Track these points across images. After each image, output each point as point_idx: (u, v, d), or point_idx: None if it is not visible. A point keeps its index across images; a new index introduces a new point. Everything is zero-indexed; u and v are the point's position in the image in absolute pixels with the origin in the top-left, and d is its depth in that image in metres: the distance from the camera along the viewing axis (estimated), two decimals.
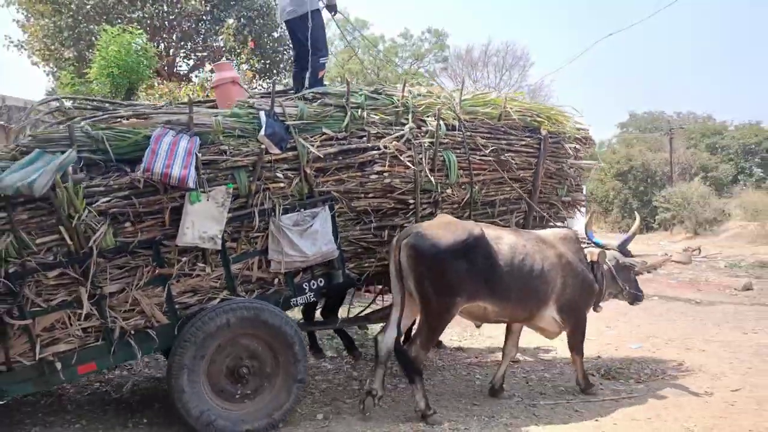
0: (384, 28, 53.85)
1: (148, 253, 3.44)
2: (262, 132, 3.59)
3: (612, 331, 6.41)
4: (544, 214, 4.88)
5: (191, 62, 15.84)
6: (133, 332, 3.44)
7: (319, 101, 4.03)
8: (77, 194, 3.13)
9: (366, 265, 4.18)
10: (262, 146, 3.59)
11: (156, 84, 7.12)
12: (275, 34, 14.61)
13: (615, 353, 5.56)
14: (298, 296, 3.92)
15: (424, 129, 4.20)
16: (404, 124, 4.13)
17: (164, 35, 14.54)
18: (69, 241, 3.21)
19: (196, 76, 13.20)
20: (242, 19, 13.97)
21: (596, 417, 3.87)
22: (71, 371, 3.34)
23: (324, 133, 3.84)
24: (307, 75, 4.44)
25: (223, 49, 14.01)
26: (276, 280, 3.84)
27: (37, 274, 3.17)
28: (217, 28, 13.93)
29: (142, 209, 3.34)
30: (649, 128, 40.94)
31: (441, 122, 4.20)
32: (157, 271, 3.42)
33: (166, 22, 13.87)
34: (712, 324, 6.83)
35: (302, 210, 3.75)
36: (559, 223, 4.97)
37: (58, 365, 3.26)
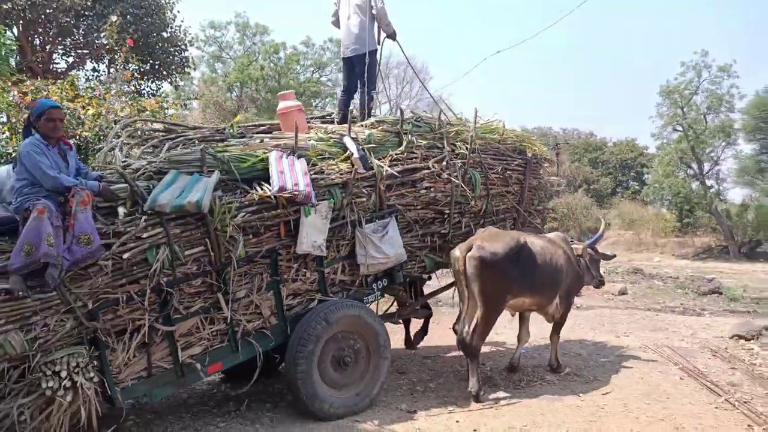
0: (285, 35, 54.05)
1: (265, 262, 3.99)
2: (356, 154, 4.36)
3: (500, 337, 6.57)
4: (530, 220, 6.21)
5: (70, 59, 14.92)
6: (253, 332, 3.97)
7: (379, 128, 4.90)
8: (228, 211, 3.62)
9: (409, 266, 5.02)
10: (354, 166, 4.36)
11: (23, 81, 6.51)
12: (165, 34, 14.25)
13: (501, 360, 5.73)
14: (369, 295, 4.70)
15: (456, 152, 5.21)
16: (440, 148, 5.17)
17: (39, 29, 13.59)
18: (212, 253, 3.67)
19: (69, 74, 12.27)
20: (128, 17, 13.43)
21: (474, 427, 4.04)
22: (204, 371, 3.76)
23: (389, 155, 4.67)
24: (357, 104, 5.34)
25: (106, 46, 13.28)
26: (355, 282, 4.59)
27: (182, 283, 3.58)
28: (100, 24, 12.97)
29: (265, 223, 3.89)
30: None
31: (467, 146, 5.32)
32: (271, 278, 3.99)
33: (42, 16, 13.00)
34: (589, 328, 7.31)
35: (377, 220, 4.55)
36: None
37: (198, 366, 3.68)
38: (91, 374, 3.09)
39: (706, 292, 11.41)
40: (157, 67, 14.34)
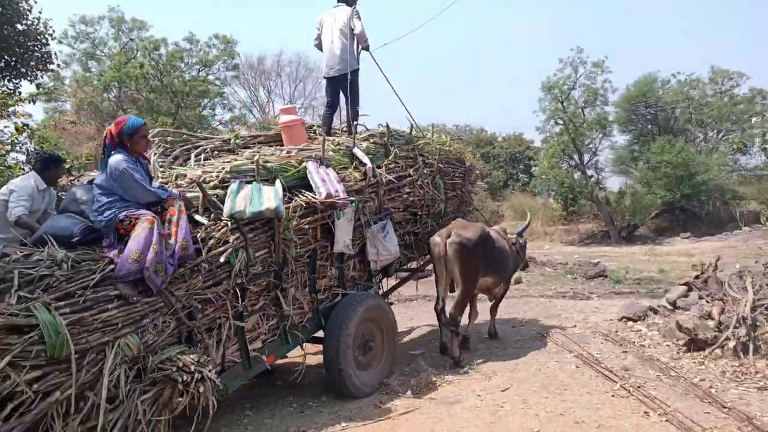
0: (166, 31, 50.75)
1: (305, 262, 4.67)
2: (369, 164, 5.23)
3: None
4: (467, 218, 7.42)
5: None
6: (297, 325, 4.64)
7: (371, 140, 5.71)
8: (291, 216, 4.28)
9: None
10: (367, 174, 5.22)
11: None
12: (20, 26, 12.58)
13: (399, 362, 5.64)
14: (372, 288, 5.54)
15: (425, 161, 6.19)
16: (412, 158, 6.06)
17: None
18: (273, 254, 4.29)
19: None
20: None
21: None
22: (263, 364, 4.32)
23: (384, 164, 5.53)
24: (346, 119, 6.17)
25: None
26: (363, 277, 5.41)
27: (253, 283, 4.12)
28: None
29: (310, 226, 4.59)
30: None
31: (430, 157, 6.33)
32: (309, 276, 4.69)
33: None
34: (485, 319, 7.06)
35: (377, 222, 5.40)
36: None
37: (263, 358, 4.26)
38: (210, 367, 3.54)
39: (593, 276, 12.56)
40: (13, 63, 12.61)
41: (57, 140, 28.63)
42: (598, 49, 70.91)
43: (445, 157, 6.68)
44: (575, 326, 7.07)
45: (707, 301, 6.57)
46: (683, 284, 7.76)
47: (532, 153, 33.90)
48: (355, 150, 5.33)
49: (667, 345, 5.89)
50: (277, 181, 4.40)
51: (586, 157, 28.90)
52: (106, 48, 29.19)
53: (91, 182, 4.16)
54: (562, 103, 27.64)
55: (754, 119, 30.03)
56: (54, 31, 7.05)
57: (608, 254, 18.75)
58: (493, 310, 6.77)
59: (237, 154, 5.19)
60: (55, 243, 3.61)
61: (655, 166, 26.55)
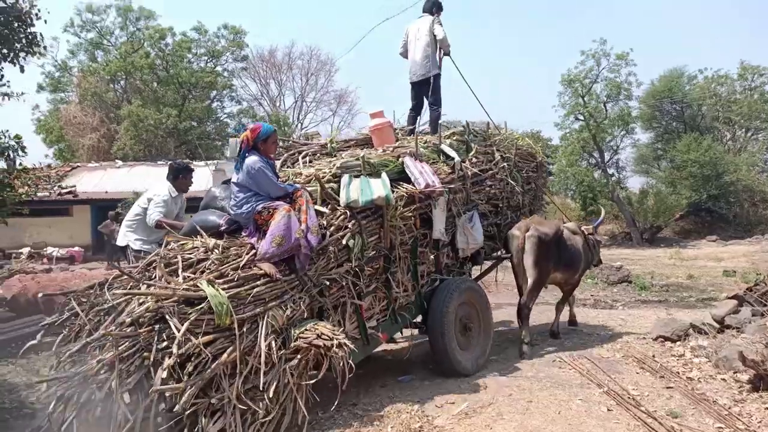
0: (173, 19, 51.18)
1: (407, 248, 5.22)
2: (457, 158, 5.84)
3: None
4: (541, 211, 8.08)
5: None
6: (404, 307, 5.19)
7: (454, 138, 6.31)
8: (397, 205, 4.88)
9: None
10: (456, 168, 5.81)
11: None
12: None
13: (378, 391, 5.01)
14: (464, 275, 6.08)
15: (503, 156, 6.78)
16: (490, 153, 6.79)
17: None
18: (383, 240, 4.87)
19: None
20: None
21: None
22: (378, 341, 4.90)
23: (468, 159, 6.18)
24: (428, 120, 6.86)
25: None
26: (455, 264, 5.93)
27: (367, 265, 4.69)
28: None
29: (412, 215, 5.17)
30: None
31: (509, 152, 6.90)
32: (411, 261, 5.25)
33: None
34: (497, 334, 6.60)
35: (465, 213, 6.00)
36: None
37: (378, 335, 4.85)
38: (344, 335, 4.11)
39: (616, 281, 12.20)
40: None
41: (60, 131, 29.08)
42: (623, 41, 71.52)
43: (519, 152, 7.23)
44: (602, 347, 6.31)
45: None
46: (732, 297, 7.01)
47: (550, 151, 33.83)
48: (443, 146, 5.90)
49: (723, 379, 4.99)
50: (383, 174, 4.97)
51: (606, 155, 28.71)
52: (112, 38, 29.83)
53: (226, 182, 4.91)
54: (583, 97, 27.63)
55: None
56: (39, 11, 7.14)
57: (630, 257, 18.41)
58: (560, 305, 7.20)
59: (334, 156, 5.77)
60: (204, 234, 4.34)
61: (680, 165, 26.37)
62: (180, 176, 5.78)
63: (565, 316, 7.50)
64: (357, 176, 4.89)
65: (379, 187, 4.72)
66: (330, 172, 4.85)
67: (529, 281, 6.29)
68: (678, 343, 6.29)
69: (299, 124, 37.30)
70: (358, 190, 4.68)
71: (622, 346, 6.28)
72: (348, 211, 4.64)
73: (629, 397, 4.60)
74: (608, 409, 4.37)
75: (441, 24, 6.85)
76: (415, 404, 4.57)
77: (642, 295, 11.02)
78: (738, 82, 32.15)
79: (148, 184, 19.28)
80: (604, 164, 28.13)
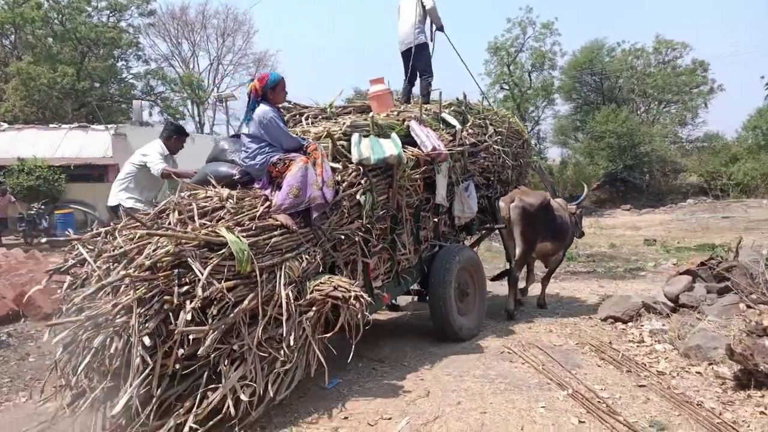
0: None
1: (410, 211, 5.29)
2: (458, 126, 5.91)
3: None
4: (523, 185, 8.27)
5: None
6: (407, 268, 5.25)
7: (450, 109, 6.46)
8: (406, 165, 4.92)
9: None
10: (457, 136, 5.90)
11: None
12: None
13: (308, 403, 4.01)
14: (458, 242, 6.19)
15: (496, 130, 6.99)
16: (484, 126, 6.92)
17: None
18: (390, 201, 4.90)
19: None
20: None
21: None
22: (382, 301, 4.97)
23: (465, 129, 6.29)
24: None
25: None
26: (452, 233, 6.02)
27: (373, 224, 4.70)
28: None
29: (417, 178, 5.22)
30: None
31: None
32: (413, 225, 5.34)
33: None
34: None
35: (462, 182, 6.12)
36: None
37: (383, 295, 4.89)
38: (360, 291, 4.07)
39: None
40: None
41: None
42: (547, 9, 73.57)
43: (508, 129, 7.36)
44: (551, 331, 5.77)
45: (748, 305, 5.18)
46: (684, 272, 6.59)
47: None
48: (444, 115, 5.99)
49: (698, 372, 4.45)
50: (394, 134, 5.03)
51: (528, 126, 29.24)
52: None
53: (235, 136, 4.92)
54: (508, 66, 28.53)
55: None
56: None
57: None
58: (545, 281, 7.42)
59: (334, 121, 5.74)
60: (216, 184, 4.31)
61: (599, 135, 27.52)
62: (173, 137, 5.73)
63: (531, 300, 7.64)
64: (366, 136, 4.90)
65: (390, 147, 4.76)
66: (340, 130, 4.84)
67: (517, 250, 6.46)
68: (630, 324, 5.88)
69: (215, 88, 35.27)
70: (369, 149, 4.70)
71: (572, 329, 5.79)
72: (360, 168, 4.64)
73: (600, 402, 3.91)
74: (579, 421, 3.62)
75: None
76: (342, 421, 3.73)
77: (570, 266, 11.14)
78: (653, 56, 34.24)
79: (36, 150, 18.44)
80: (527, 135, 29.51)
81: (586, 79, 33.31)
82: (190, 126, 35.16)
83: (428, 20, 6.96)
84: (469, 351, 5.16)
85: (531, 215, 6.36)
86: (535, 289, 7.59)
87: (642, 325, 5.78)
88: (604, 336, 5.57)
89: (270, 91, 4.47)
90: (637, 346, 5.27)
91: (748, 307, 5.19)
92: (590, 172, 26.77)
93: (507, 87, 28.99)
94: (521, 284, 7.07)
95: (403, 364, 4.85)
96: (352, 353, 4.03)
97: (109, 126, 20.47)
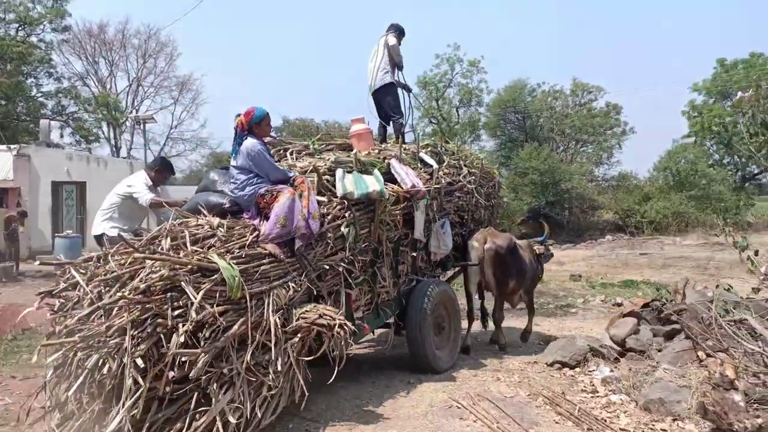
0: None
1: (390, 245, 5.52)
2: (436, 165, 6.24)
3: None
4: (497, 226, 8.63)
5: None
6: (386, 301, 5.45)
7: (428, 149, 6.81)
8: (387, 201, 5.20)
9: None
10: (435, 176, 6.21)
11: None
12: None
13: None
14: (434, 278, 6.43)
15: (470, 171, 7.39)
16: (458, 167, 7.27)
17: None
18: (372, 234, 5.14)
19: None
20: None
21: None
22: (363, 332, 5.13)
23: (441, 170, 6.64)
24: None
25: None
26: (428, 268, 6.27)
27: (356, 256, 4.92)
28: None
29: (397, 213, 5.49)
30: (300, 134, 45.25)
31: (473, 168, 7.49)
32: (393, 259, 5.58)
33: None
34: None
35: (439, 219, 6.42)
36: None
37: (364, 325, 5.07)
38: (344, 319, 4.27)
39: None
40: None
41: None
42: (476, 47, 76.68)
43: (481, 169, 7.80)
44: (499, 379, 5.38)
45: (707, 354, 5.04)
46: (628, 314, 6.52)
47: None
48: (422, 154, 6.35)
49: (663, 430, 4.24)
50: (376, 170, 5.32)
51: None
52: None
53: (224, 168, 5.13)
54: (437, 100, 29.59)
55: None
56: None
57: None
58: (531, 314, 7.64)
59: (317, 157, 6.02)
60: (206, 213, 4.54)
61: (522, 171, 28.79)
62: (157, 169, 5.98)
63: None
64: (350, 172, 5.17)
65: (373, 182, 5.04)
66: (325, 165, 5.11)
67: (494, 290, 6.72)
68: (578, 369, 5.63)
69: (134, 110, 33.59)
70: (353, 184, 4.97)
71: (520, 377, 5.44)
72: (344, 202, 4.89)
73: None
74: None
75: (396, 36, 7.36)
76: None
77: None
78: (570, 98, 36.95)
79: None
80: None
81: (510, 117, 35.41)
82: (105, 149, 33.93)
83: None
84: (414, 405, 4.62)
85: (502, 257, 6.63)
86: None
87: (591, 371, 5.51)
88: (554, 384, 5.23)
89: (255, 125, 4.76)
90: (592, 396, 4.92)
91: (708, 355, 5.02)
92: (515, 207, 27.84)
93: (435, 121, 29.94)
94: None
95: (340, 424, 4.31)
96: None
97: (11, 146, 19.67)
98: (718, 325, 5.16)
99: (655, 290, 7.15)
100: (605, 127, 36.22)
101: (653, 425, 4.30)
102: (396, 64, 7.36)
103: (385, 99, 7.25)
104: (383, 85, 7.21)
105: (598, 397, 4.92)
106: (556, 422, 4.37)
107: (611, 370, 5.41)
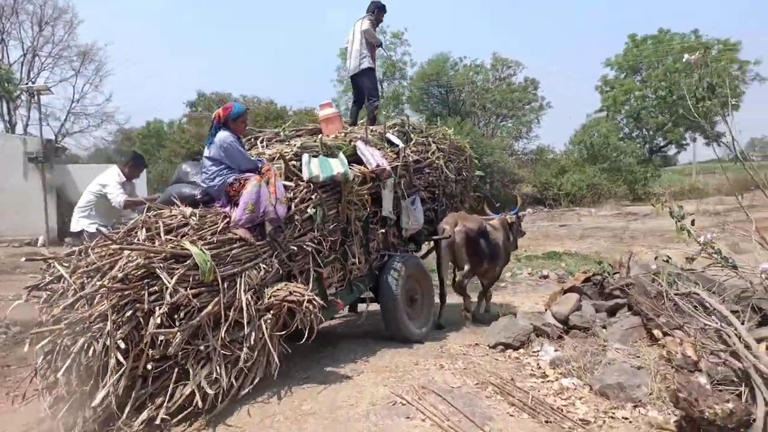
0: None
1: (359, 224, 5.88)
2: (402, 145, 6.55)
3: None
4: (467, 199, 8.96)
5: None
6: (359, 277, 5.82)
7: (395, 129, 7.11)
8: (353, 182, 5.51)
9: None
10: (401, 154, 6.53)
11: None
12: None
13: None
14: (407, 253, 6.79)
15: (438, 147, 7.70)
16: (427, 144, 7.59)
17: None
18: (340, 214, 5.49)
19: None
20: None
21: None
22: (335, 308, 5.50)
23: (408, 147, 6.95)
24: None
25: None
26: (400, 244, 6.62)
27: (325, 236, 5.28)
28: None
29: (364, 193, 5.84)
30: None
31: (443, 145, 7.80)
32: (363, 237, 5.92)
33: None
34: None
35: (408, 196, 6.77)
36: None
37: (337, 301, 5.44)
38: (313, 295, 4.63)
39: None
40: None
41: None
42: (399, 19, 75.93)
43: (451, 145, 8.07)
44: (442, 366, 4.93)
45: (665, 333, 4.84)
46: (569, 290, 6.36)
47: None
48: (388, 135, 6.65)
49: (625, 418, 3.92)
50: (341, 153, 5.62)
51: None
52: None
53: (195, 160, 5.39)
54: None
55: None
56: None
57: None
58: (482, 295, 8.00)
59: (286, 143, 6.31)
60: (179, 204, 4.84)
61: None
62: (131, 164, 6.34)
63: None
64: (315, 156, 5.48)
65: (337, 165, 5.34)
66: (291, 151, 5.42)
67: (465, 268, 7.06)
68: (522, 351, 5.38)
69: (30, 82, 30.93)
70: (318, 167, 5.27)
71: (464, 363, 5.00)
72: (311, 185, 5.20)
73: None
74: None
75: (372, 18, 7.74)
76: None
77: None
78: (491, 72, 37.98)
79: None
80: None
81: (433, 91, 36.00)
82: None
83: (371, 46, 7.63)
84: (353, 404, 4.10)
85: (472, 239, 6.95)
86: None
87: (537, 353, 5.26)
88: (501, 370, 4.86)
89: (232, 121, 5.08)
90: (542, 381, 4.61)
91: (664, 333, 4.84)
92: None
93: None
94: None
95: (270, 428, 3.86)
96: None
97: None
98: (670, 300, 4.95)
99: (596, 264, 6.86)
100: (524, 101, 37.60)
101: (613, 413, 4.00)
102: (374, 45, 7.74)
103: (364, 82, 7.65)
104: (361, 70, 7.60)
105: (548, 381, 4.61)
106: (511, 414, 3.97)
107: (556, 350, 5.18)
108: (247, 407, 4.15)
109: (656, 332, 5.00)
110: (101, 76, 36.65)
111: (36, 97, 21.48)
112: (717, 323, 4.48)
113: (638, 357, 4.77)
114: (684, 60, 5.57)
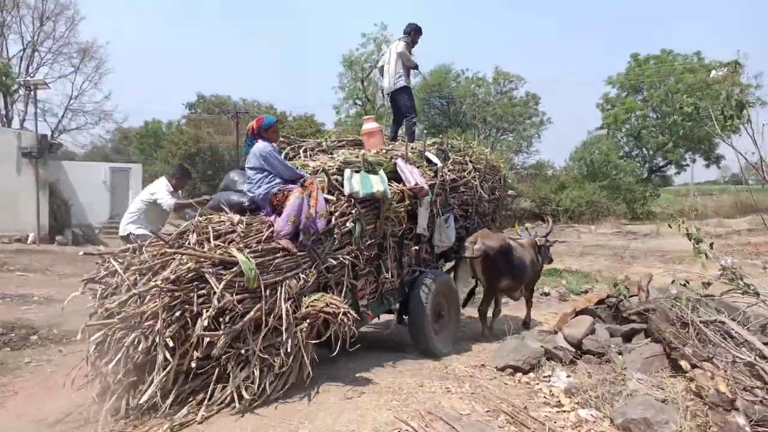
0: None
1: (394, 240, 6.11)
2: (440, 164, 6.77)
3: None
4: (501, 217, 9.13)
5: None
6: (390, 290, 6.03)
7: (433, 148, 7.33)
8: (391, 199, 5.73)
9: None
10: (439, 173, 6.74)
11: None
12: None
13: None
14: (437, 269, 6.97)
15: (474, 167, 7.89)
16: (464, 163, 7.78)
17: None
18: (377, 230, 5.70)
19: None
20: None
21: None
22: (367, 319, 5.73)
23: (446, 167, 7.16)
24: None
25: None
26: (431, 260, 6.83)
27: (362, 250, 5.47)
28: None
29: (401, 209, 6.04)
30: (216, 111, 44.42)
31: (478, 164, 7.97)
32: (397, 251, 6.14)
33: None
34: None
35: (443, 214, 6.97)
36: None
37: (368, 312, 5.66)
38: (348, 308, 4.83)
39: None
40: None
41: None
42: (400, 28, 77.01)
43: (487, 165, 8.26)
44: (449, 390, 4.65)
45: (693, 365, 4.55)
46: (581, 312, 6.18)
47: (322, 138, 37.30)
48: (427, 153, 6.85)
49: None
50: (381, 171, 5.84)
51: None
52: None
53: (242, 169, 5.65)
54: (362, 81, 29.18)
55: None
56: None
57: None
58: (529, 305, 8.17)
59: (330, 154, 6.54)
60: (228, 210, 5.12)
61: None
62: (177, 176, 6.78)
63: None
64: (357, 171, 5.70)
65: (378, 183, 5.55)
66: (335, 165, 5.65)
67: (483, 288, 7.23)
68: (532, 375, 5.15)
69: (28, 77, 30.27)
70: (359, 183, 5.49)
71: (471, 386, 4.78)
72: (351, 200, 5.42)
73: None
74: None
75: (407, 41, 8.05)
76: None
77: None
78: (493, 86, 38.13)
79: None
80: None
81: (434, 102, 36.25)
82: None
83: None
84: (354, 429, 3.84)
85: (492, 257, 7.00)
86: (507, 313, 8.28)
87: (548, 378, 4.99)
88: (512, 396, 4.61)
89: (264, 131, 5.41)
90: (557, 411, 4.34)
91: (693, 366, 4.53)
92: None
93: (360, 103, 29.95)
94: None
95: None
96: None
97: None
98: (695, 329, 4.68)
99: (612, 285, 6.57)
100: (525, 116, 37.79)
101: None
102: (409, 67, 8.01)
103: (400, 101, 7.93)
104: (398, 89, 7.89)
105: (564, 411, 4.33)
106: None
107: (568, 376, 4.91)
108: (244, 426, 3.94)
109: (683, 363, 4.67)
110: (101, 74, 36.86)
111: (33, 92, 21.36)
112: (750, 356, 4.14)
113: (662, 389, 4.48)
114: (711, 76, 5.57)
